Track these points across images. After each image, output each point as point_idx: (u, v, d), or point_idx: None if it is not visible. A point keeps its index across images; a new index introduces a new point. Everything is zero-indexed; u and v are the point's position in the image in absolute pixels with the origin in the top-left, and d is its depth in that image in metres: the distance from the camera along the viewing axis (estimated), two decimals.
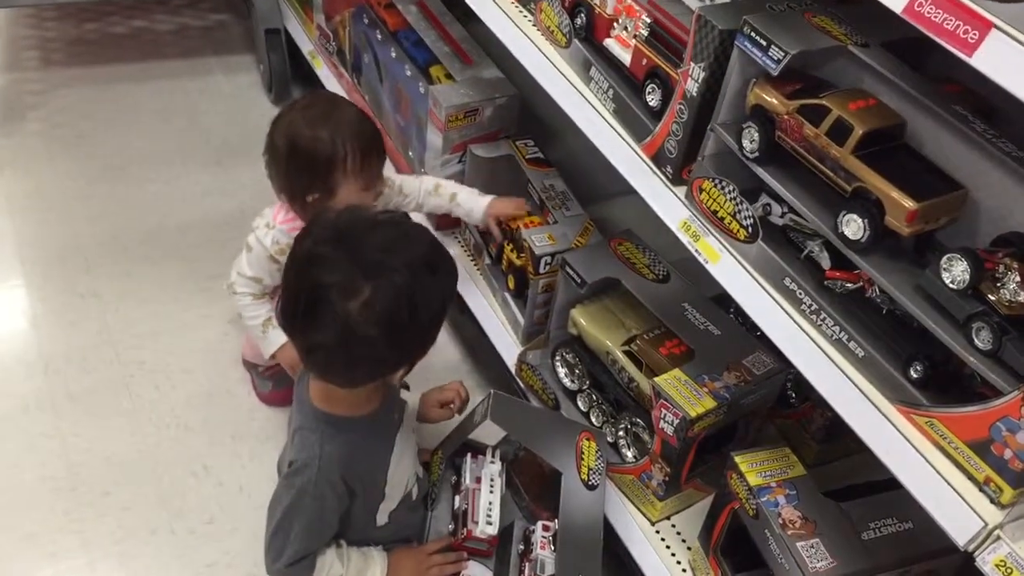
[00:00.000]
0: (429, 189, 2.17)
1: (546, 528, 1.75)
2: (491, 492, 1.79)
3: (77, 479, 2.04)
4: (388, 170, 2.00)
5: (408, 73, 2.36)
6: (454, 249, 2.35)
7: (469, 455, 1.86)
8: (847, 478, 1.65)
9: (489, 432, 1.80)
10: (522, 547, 1.79)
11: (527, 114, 2.30)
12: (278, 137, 1.85)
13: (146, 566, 1.92)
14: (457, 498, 1.84)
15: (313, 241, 1.42)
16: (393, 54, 2.43)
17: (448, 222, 2.36)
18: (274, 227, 1.90)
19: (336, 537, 1.65)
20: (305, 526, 1.56)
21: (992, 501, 1.11)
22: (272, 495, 1.61)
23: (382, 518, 1.71)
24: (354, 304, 1.35)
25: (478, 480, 1.81)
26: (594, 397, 1.95)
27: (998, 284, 1.11)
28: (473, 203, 2.15)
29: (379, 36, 2.50)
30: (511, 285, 2.19)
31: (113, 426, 2.16)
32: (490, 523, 1.76)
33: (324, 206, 1.83)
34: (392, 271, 1.37)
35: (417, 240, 1.46)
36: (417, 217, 2.26)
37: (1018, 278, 1.09)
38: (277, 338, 1.96)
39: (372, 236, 1.41)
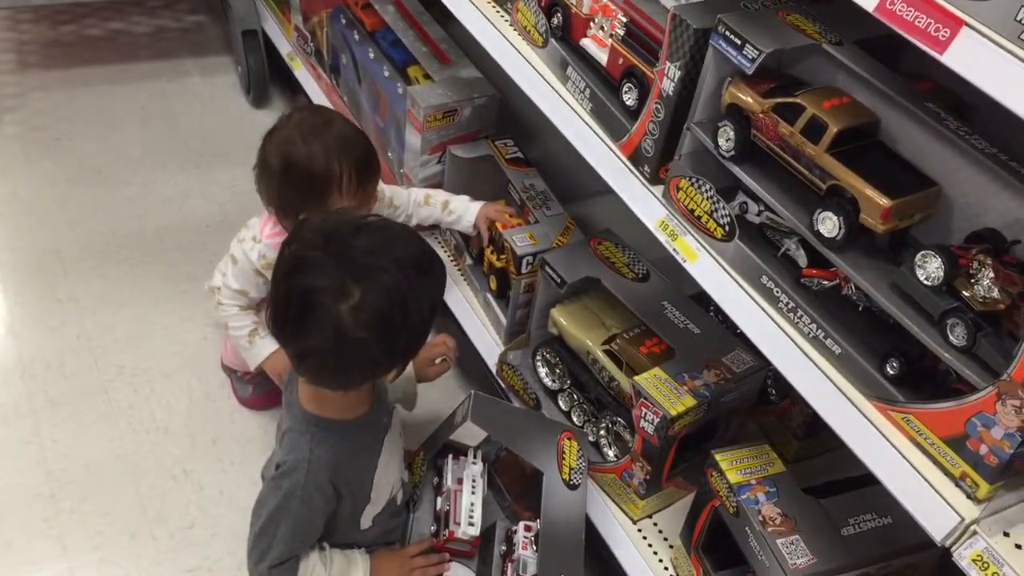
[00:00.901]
0: (419, 200, 2.15)
1: (528, 528, 1.75)
2: (473, 493, 1.79)
3: (56, 485, 2.02)
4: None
5: (386, 74, 2.36)
6: (435, 250, 2.34)
7: (450, 456, 1.86)
8: (827, 474, 1.66)
9: (471, 433, 1.80)
10: (504, 548, 1.79)
11: (506, 114, 2.30)
12: (271, 153, 1.81)
13: (126, 572, 1.91)
14: (439, 499, 1.84)
15: (300, 246, 1.41)
16: (371, 55, 2.42)
17: (428, 225, 2.36)
18: (260, 241, 1.88)
19: (320, 540, 1.65)
20: (291, 528, 1.55)
21: (968, 496, 1.12)
22: (258, 496, 1.60)
23: (366, 522, 1.70)
24: (345, 307, 1.35)
25: (459, 481, 1.81)
26: (575, 396, 1.95)
27: (972, 280, 1.12)
28: (463, 210, 2.14)
29: (357, 37, 2.49)
30: (493, 286, 2.18)
31: (92, 431, 2.14)
32: (472, 524, 1.76)
33: None
34: (381, 273, 1.37)
35: (405, 242, 1.45)
36: None
37: (991, 274, 1.10)
38: (263, 349, 1.95)
39: (359, 239, 1.40)
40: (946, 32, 0.97)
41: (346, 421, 1.60)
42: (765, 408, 1.92)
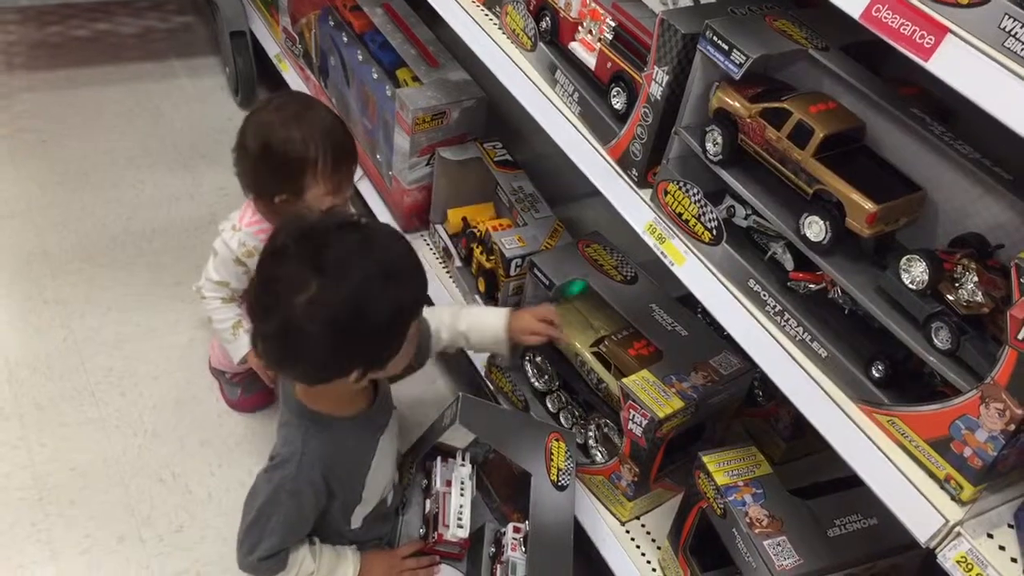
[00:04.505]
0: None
1: (517, 530, 1.75)
2: (461, 495, 1.79)
3: (44, 488, 2.01)
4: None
5: (374, 76, 2.36)
6: (423, 252, 2.35)
7: (439, 458, 1.86)
8: (814, 475, 1.67)
9: (460, 435, 1.80)
10: (493, 549, 1.79)
11: (495, 116, 2.30)
12: (249, 136, 1.84)
13: (113, 575, 1.90)
14: (428, 502, 1.84)
15: (282, 236, 1.43)
16: (359, 57, 2.42)
17: (415, 223, 2.37)
18: (240, 229, 1.90)
19: (310, 535, 1.65)
20: (282, 521, 1.55)
21: (953, 498, 1.13)
22: (251, 488, 1.60)
23: (356, 521, 1.71)
24: (300, 299, 1.35)
25: (448, 483, 1.81)
26: (563, 398, 1.96)
27: (956, 284, 1.13)
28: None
29: (345, 39, 2.49)
30: (481, 287, 2.19)
31: (80, 434, 2.13)
32: (461, 526, 1.76)
33: (291, 207, 1.83)
34: (344, 272, 1.37)
35: (382, 246, 1.44)
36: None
37: (975, 278, 1.11)
38: (247, 342, 1.95)
39: (336, 236, 1.41)
40: (931, 39, 0.98)
41: (340, 417, 1.60)
42: (752, 410, 1.93)
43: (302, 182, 1.81)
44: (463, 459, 1.85)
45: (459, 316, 1.87)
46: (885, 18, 1.03)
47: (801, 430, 1.82)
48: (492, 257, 2.10)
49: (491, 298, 2.15)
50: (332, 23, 2.55)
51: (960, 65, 0.96)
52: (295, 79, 2.88)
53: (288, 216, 1.47)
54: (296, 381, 1.56)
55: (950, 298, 1.13)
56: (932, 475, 1.15)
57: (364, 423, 1.65)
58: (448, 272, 2.31)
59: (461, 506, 1.78)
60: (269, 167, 1.82)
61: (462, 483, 1.81)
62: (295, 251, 1.39)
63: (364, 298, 1.38)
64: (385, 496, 1.75)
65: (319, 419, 1.58)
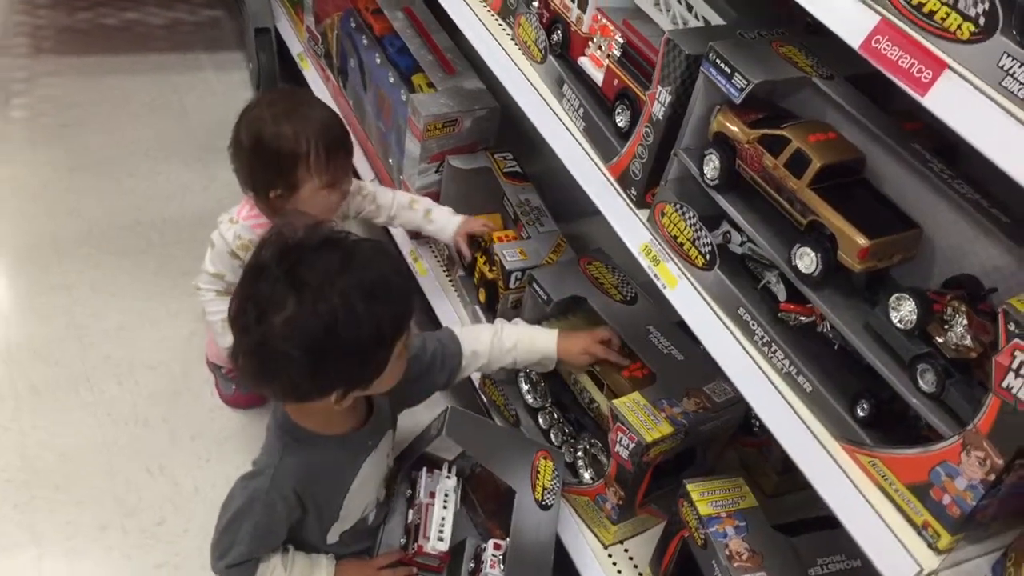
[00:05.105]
0: (404, 203, 2.16)
1: (497, 547, 1.73)
2: (444, 508, 1.77)
3: (31, 471, 2.02)
4: (366, 180, 1.97)
5: (391, 80, 2.35)
6: (427, 260, 2.34)
7: (424, 469, 1.84)
8: (805, 510, 1.62)
9: (448, 446, 1.78)
10: (473, 565, 1.77)
11: (508, 127, 2.29)
12: (243, 131, 1.84)
13: (95, 563, 1.90)
14: (410, 512, 1.81)
15: (265, 252, 1.40)
16: (377, 60, 2.42)
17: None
18: (237, 222, 1.90)
19: (285, 543, 1.63)
20: (252, 530, 1.54)
21: (930, 546, 1.09)
22: (228, 492, 1.59)
23: (332, 537, 1.69)
24: (277, 318, 1.33)
25: (432, 495, 1.79)
26: (555, 416, 1.93)
27: (946, 327, 1.10)
28: (445, 221, 2.14)
29: (365, 41, 2.49)
30: (482, 298, 2.17)
31: (72, 420, 2.14)
32: (441, 539, 1.74)
33: (287, 203, 1.82)
34: (322, 292, 1.34)
35: (364, 267, 1.39)
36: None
37: (965, 321, 1.08)
38: None
39: (316, 255, 1.38)
40: (928, 74, 0.96)
41: (325, 436, 1.57)
42: (747, 439, 1.90)
43: (295, 176, 1.81)
44: (449, 471, 1.83)
45: (502, 335, 1.82)
46: (884, 50, 1.00)
47: (793, 464, 1.78)
48: (494, 268, 2.09)
49: (490, 310, 2.13)
50: (353, 24, 2.55)
51: (956, 102, 0.94)
52: (315, 79, 2.88)
53: (273, 230, 1.44)
54: (273, 399, 1.53)
55: (939, 340, 1.10)
56: (910, 521, 1.11)
57: (351, 443, 1.62)
58: (451, 280, 2.30)
59: (443, 519, 1.76)
60: (262, 162, 1.81)
61: (446, 495, 1.79)
62: (275, 269, 1.36)
63: (342, 319, 1.34)
64: (366, 515, 1.73)
65: (301, 435, 1.56)
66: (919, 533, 1.10)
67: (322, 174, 1.82)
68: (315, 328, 1.34)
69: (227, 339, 1.94)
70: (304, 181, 1.82)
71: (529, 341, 1.82)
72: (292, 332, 1.33)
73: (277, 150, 1.79)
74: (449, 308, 2.23)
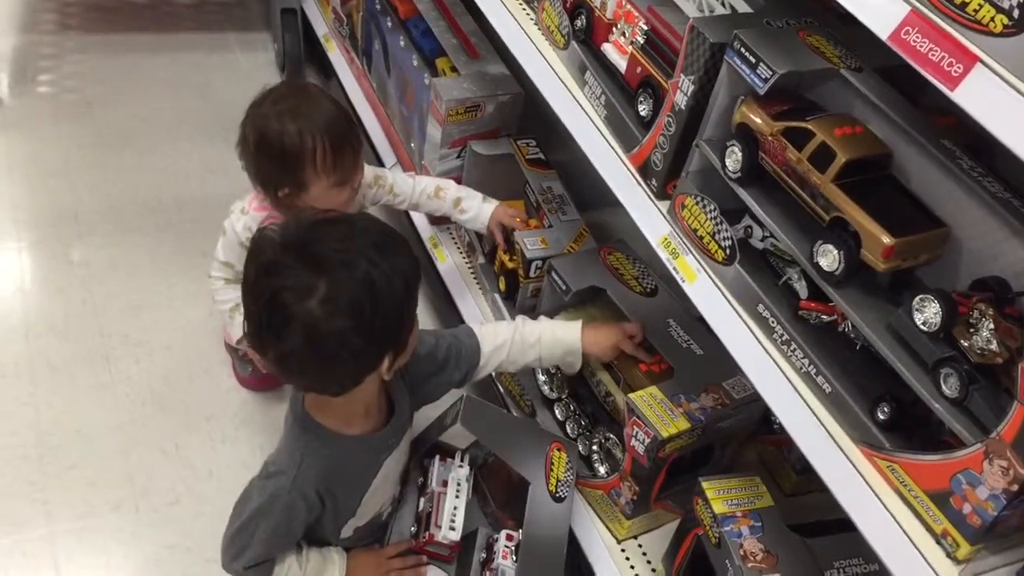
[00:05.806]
0: (429, 192, 2.11)
1: (509, 538, 1.71)
2: (457, 497, 1.75)
3: (45, 448, 2.02)
4: (387, 165, 1.94)
5: (414, 63, 2.33)
6: (447, 246, 2.32)
7: (437, 457, 1.82)
8: (824, 511, 1.58)
9: (461, 435, 1.76)
10: (484, 555, 1.75)
11: (532, 113, 2.25)
12: (249, 129, 1.80)
13: (106, 541, 1.90)
14: (422, 500, 1.80)
15: (261, 257, 1.36)
16: (401, 42, 2.39)
17: (442, 218, 2.33)
18: (248, 213, 1.88)
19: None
20: (270, 532, 1.51)
21: (948, 555, 1.07)
22: (243, 492, 1.55)
23: (346, 532, 1.67)
24: (313, 302, 1.30)
25: (444, 483, 1.77)
26: (571, 407, 1.91)
27: (971, 330, 1.06)
28: (477, 210, 2.10)
29: (389, 23, 2.46)
30: (502, 287, 2.15)
31: (88, 398, 2.14)
32: (453, 529, 1.72)
33: (297, 200, 1.80)
34: (343, 262, 1.32)
35: (362, 228, 1.39)
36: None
37: (992, 325, 1.04)
38: (240, 322, 1.93)
39: (315, 235, 1.36)
40: (959, 67, 0.92)
41: (346, 435, 1.54)
42: (768, 437, 1.86)
43: (302, 176, 1.77)
44: (462, 460, 1.81)
45: (523, 330, 1.79)
46: (914, 42, 0.96)
47: None
48: (515, 257, 2.06)
49: (510, 299, 2.11)
50: (378, 6, 2.52)
51: (987, 97, 0.90)
52: (340, 60, 2.86)
53: (254, 238, 1.41)
54: (335, 393, 1.45)
55: (963, 344, 1.07)
56: (929, 529, 1.08)
57: (371, 443, 1.59)
58: (471, 267, 2.28)
59: (455, 508, 1.74)
60: (268, 160, 1.78)
61: (458, 485, 1.77)
62: (284, 261, 1.33)
63: (376, 278, 1.33)
64: (382, 511, 1.72)
65: (322, 434, 1.52)
66: (938, 542, 1.07)
67: (330, 174, 1.78)
68: (358, 294, 1.32)
69: (235, 326, 1.95)
70: (312, 181, 1.78)
71: (552, 334, 1.79)
72: (336, 307, 1.31)
73: (281, 149, 1.75)
74: (468, 295, 2.21)
